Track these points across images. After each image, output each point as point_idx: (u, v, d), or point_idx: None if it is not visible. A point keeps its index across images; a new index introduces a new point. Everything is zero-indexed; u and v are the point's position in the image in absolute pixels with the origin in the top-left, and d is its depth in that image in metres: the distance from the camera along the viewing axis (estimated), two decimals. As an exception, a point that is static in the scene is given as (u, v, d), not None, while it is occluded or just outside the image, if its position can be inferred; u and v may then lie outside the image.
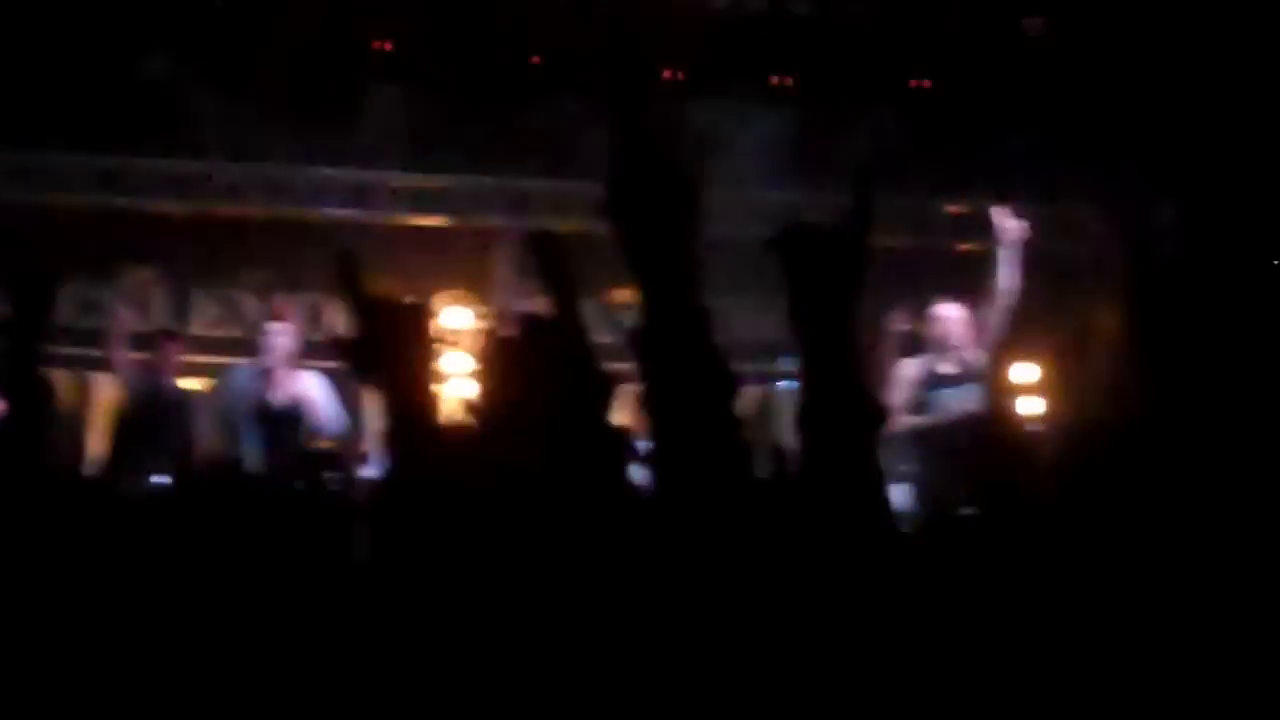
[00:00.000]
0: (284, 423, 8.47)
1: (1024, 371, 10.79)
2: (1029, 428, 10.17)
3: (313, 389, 8.72)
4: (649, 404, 2.15)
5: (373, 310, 2.40)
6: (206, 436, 8.71)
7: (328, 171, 10.88)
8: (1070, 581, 2.52)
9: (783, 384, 10.53)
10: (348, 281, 2.47)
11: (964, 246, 11.11)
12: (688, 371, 2.14)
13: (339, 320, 11.38)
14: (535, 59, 10.11)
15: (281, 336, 8.71)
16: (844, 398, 2.23)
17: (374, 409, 10.64)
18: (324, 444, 8.79)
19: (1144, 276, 10.02)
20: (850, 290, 2.27)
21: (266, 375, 8.55)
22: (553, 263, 2.36)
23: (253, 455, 8.27)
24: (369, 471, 9.64)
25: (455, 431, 2.31)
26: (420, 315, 2.25)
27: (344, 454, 8.94)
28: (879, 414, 2.29)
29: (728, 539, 2.11)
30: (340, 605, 2.27)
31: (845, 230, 2.29)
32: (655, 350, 2.15)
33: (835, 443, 2.20)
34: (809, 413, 2.25)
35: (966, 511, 3.52)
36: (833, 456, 2.20)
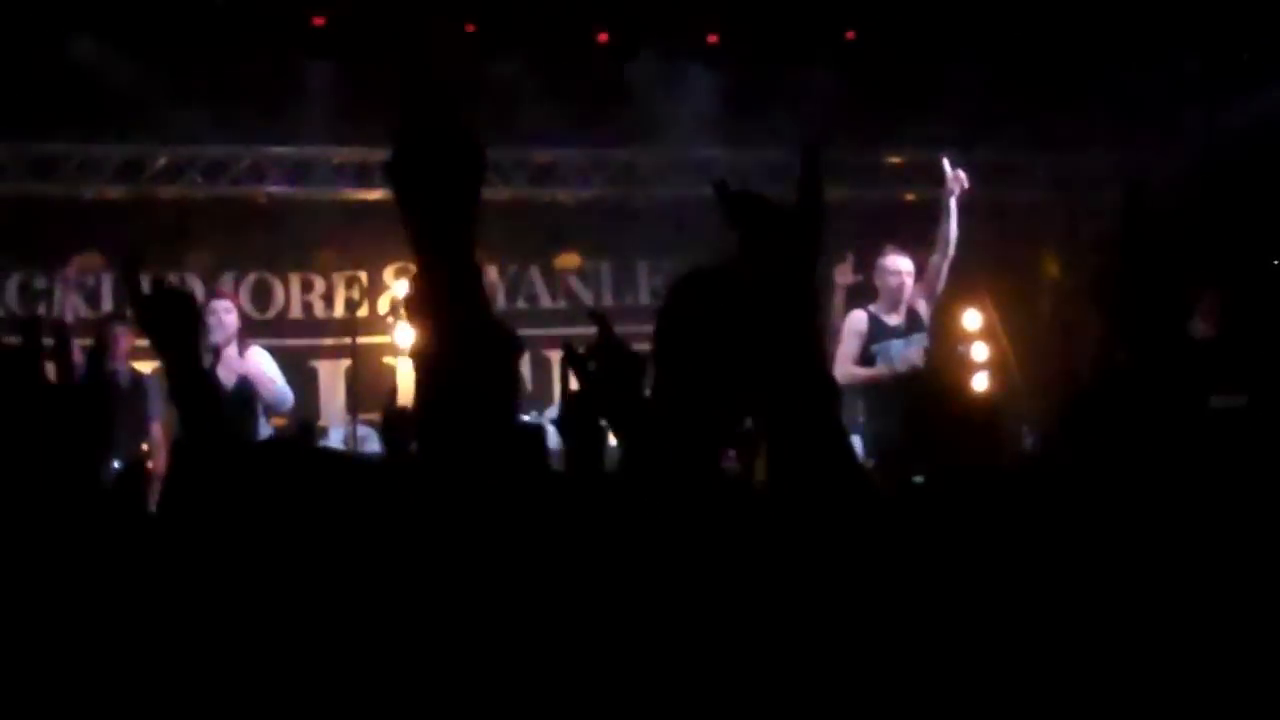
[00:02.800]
0: (235, 402, 8.45)
1: (968, 318, 10.89)
2: (975, 376, 10.26)
3: (261, 365, 8.72)
4: (420, 361, 2.16)
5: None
6: (161, 420, 8.67)
7: (268, 149, 10.87)
8: (1035, 553, 2.51)
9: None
10: (131, 274, 2.63)
11: (908, 196, 11.17)
12: (461, 330, 2.13)
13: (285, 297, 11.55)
14: (470, 26, 10.09)
15: (227, 314, 8.68)
16: (807, 378, 2.25)
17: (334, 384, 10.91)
18: (276, 420, 8.79)
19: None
20: (807, 270, 2.29)
21: (214, 354, 8.50)
22: None
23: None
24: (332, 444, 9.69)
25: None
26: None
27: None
28: (834, 389, 2.32)
29: (485, 504, 2.11)
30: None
31: (801, 210, 2.29)
32: (428, 310, 2.14)
33: (800, 420, 2.23)
34: (776, 394, 2.26)
35: (919, 479, 3.54)
36: (800, 434, 2.23)
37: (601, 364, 2.76)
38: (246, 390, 8.59)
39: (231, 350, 8.57)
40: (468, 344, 2.11)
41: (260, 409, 8.67)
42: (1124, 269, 2.63)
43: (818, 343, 2.33)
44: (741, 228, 2.31)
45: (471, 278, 2.13)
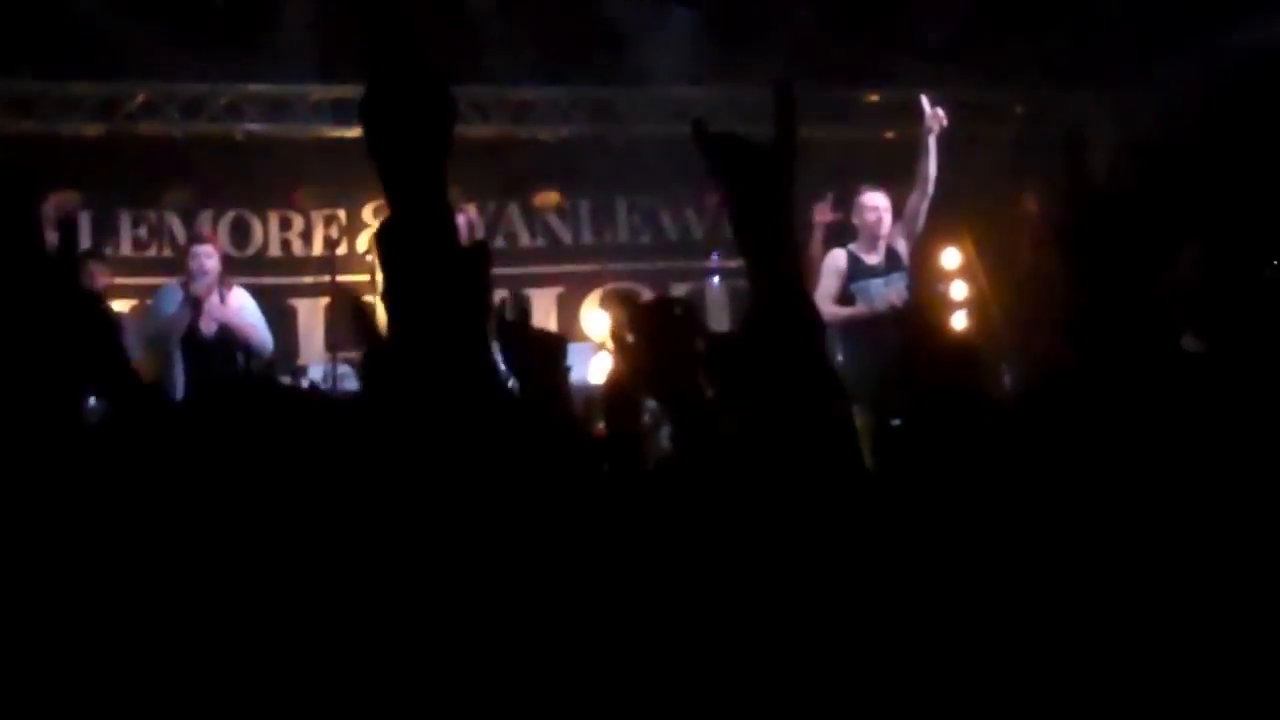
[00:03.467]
0: (215, 351, 8.44)
1: (947, 257, 10.92)
2: (955, 314, 10.29)
3: (241, 311, 8.68)
4: (390, 298, 2.16)
5: None
6: (135, 361, 8.62)
7: (246, 86, 10.82)
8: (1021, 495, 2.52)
9: (713, 279, 10.59)
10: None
11: (888, 134, 11.16)
12: (433, 267, 2.14)
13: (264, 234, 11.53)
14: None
15: (209, 260, 8.62)
16: (790, 312, 2.27)
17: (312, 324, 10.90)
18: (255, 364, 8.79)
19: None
20: (784, 206, 2.30)
21: (195, 303, 8.46)
22: None
23: (179, 382, 8.25)
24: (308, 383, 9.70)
25: None
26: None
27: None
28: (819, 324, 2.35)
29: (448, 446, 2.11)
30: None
31: (775, 149, 2.31)
32: (400, 247, 2.15)
33: (787, 355, 2.25)
34: (761, 326, 2.29)
35: (898, 422, 3.55)
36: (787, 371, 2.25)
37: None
38: (228, 337, 8.57)
39: (214, 299, 8.52)
40: (439, 283, 2.12)
41: (240, 356, 8.65)
42: (1072, 219, 2.66)
43: (799, 277, 2.35)
44: (720, 169, 2.33)
45: (443, 218, 2.14)
